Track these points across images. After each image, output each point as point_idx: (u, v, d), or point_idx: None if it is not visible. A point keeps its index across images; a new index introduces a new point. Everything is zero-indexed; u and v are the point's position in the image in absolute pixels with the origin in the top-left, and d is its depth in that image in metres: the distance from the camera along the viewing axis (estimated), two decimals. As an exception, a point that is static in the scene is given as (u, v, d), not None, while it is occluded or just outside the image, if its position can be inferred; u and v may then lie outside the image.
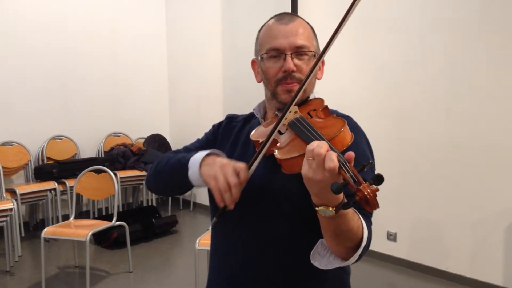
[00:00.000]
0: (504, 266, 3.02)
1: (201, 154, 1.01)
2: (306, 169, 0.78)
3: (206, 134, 1.27)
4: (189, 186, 1.03)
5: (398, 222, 3.55)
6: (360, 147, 1.04)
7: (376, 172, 1.07)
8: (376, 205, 0.71)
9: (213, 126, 1.26)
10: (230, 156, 1.07)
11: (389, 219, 3.54)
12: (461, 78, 3.14)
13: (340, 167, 0.74)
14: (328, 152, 0.75)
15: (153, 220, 4.28)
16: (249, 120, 1.20)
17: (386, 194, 3.40)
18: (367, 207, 0.72)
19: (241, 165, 0.91)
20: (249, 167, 0.93)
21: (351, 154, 0.76)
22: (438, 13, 3.23)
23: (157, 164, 1.16)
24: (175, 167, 1.06)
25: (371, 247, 0.94)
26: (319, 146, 0.76)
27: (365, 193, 0.71)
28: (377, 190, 0.72)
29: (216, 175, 0.91)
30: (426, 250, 3.42)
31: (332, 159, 0.73)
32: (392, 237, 3.58)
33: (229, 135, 1.19)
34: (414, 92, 3.38)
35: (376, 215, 1.02)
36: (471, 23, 3.08)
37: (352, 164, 0.76)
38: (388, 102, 3.55)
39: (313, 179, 0.77)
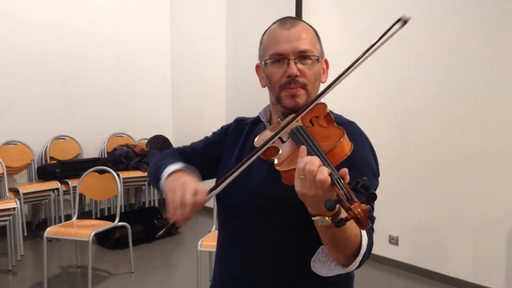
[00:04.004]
0: (506, 270, 3.02)
1: (172, 167, 1.06)
2: (299, 186, 0.79)
3: (214, 134, 1.28)
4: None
5: (400, 226, 3.54)
6: (364, 154, 1.04)
7: (379, 176, 1.08)
8: (367, 225, 0.72)
9: (222, 128, 1.27)
10: (240, 159, 1.08)
11: (391, 222, 3.54)
12: (465, 83, 3.14)
13: (333, 183, 0.75)
14: (320, 167, 0.76)
15: (155, 221, 4.29)
16: (257, 124, 1.21)
17: (388, 198, 3.43)
18: (358, 225, 0.72)
19: (202, 188, 0.94)
20: (210, 191, 0.94)
21: (344, 170, 0.77)
22: (443, 18, 3.23)
23: (153, 163, 1.21)
24: (156, 173, 1.12)
25: (373, 251, 0.94)
26: (310, 162, 0.77)
27: (356, 212, 0.71)
28: (369, 209, 0.72)
29: (175, 189, 0.94)
30: (428, 254, 3.42)
31: (323, 173, 0.75)
32: (394, 241, 3.57)
33: (238, 138, 1.20)
34: (417, 96, 3.37)
35: (378, 218, 1.03)
36: (475, 29, 3.08)
37: (347, 180, 0.76)
38: (391, 106, 3.55)
39: (307, 195, 0.78)
